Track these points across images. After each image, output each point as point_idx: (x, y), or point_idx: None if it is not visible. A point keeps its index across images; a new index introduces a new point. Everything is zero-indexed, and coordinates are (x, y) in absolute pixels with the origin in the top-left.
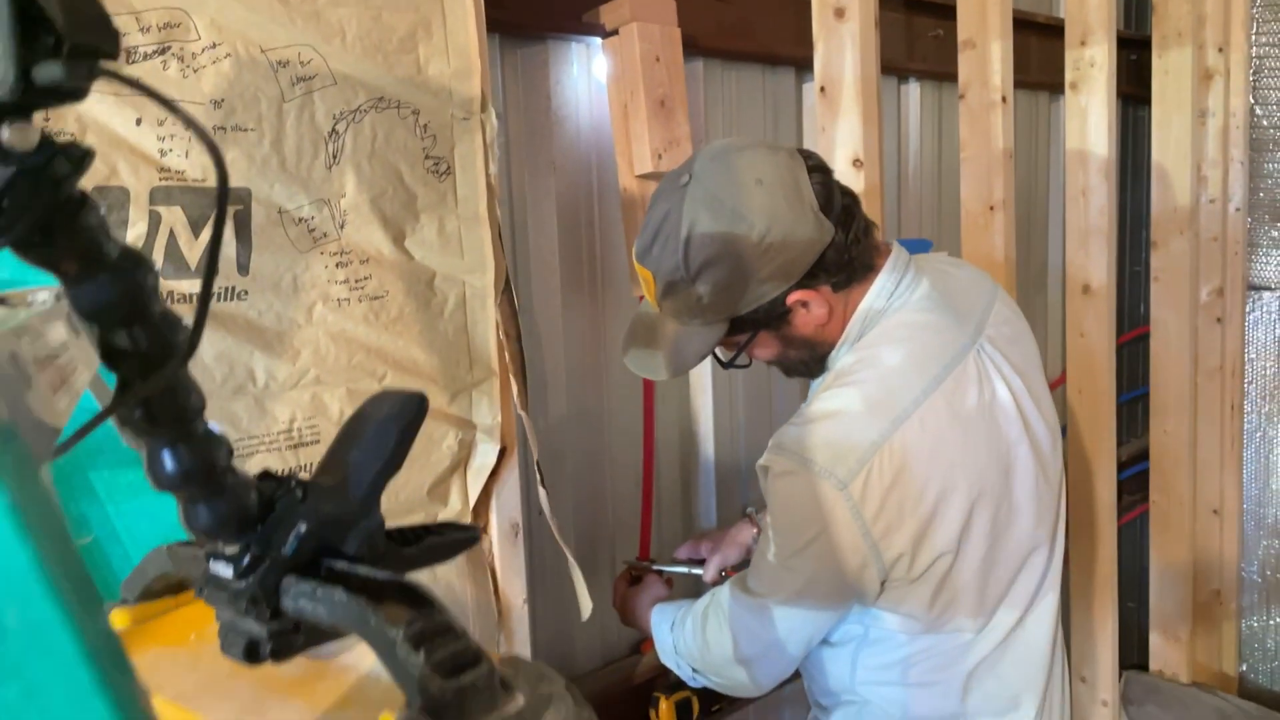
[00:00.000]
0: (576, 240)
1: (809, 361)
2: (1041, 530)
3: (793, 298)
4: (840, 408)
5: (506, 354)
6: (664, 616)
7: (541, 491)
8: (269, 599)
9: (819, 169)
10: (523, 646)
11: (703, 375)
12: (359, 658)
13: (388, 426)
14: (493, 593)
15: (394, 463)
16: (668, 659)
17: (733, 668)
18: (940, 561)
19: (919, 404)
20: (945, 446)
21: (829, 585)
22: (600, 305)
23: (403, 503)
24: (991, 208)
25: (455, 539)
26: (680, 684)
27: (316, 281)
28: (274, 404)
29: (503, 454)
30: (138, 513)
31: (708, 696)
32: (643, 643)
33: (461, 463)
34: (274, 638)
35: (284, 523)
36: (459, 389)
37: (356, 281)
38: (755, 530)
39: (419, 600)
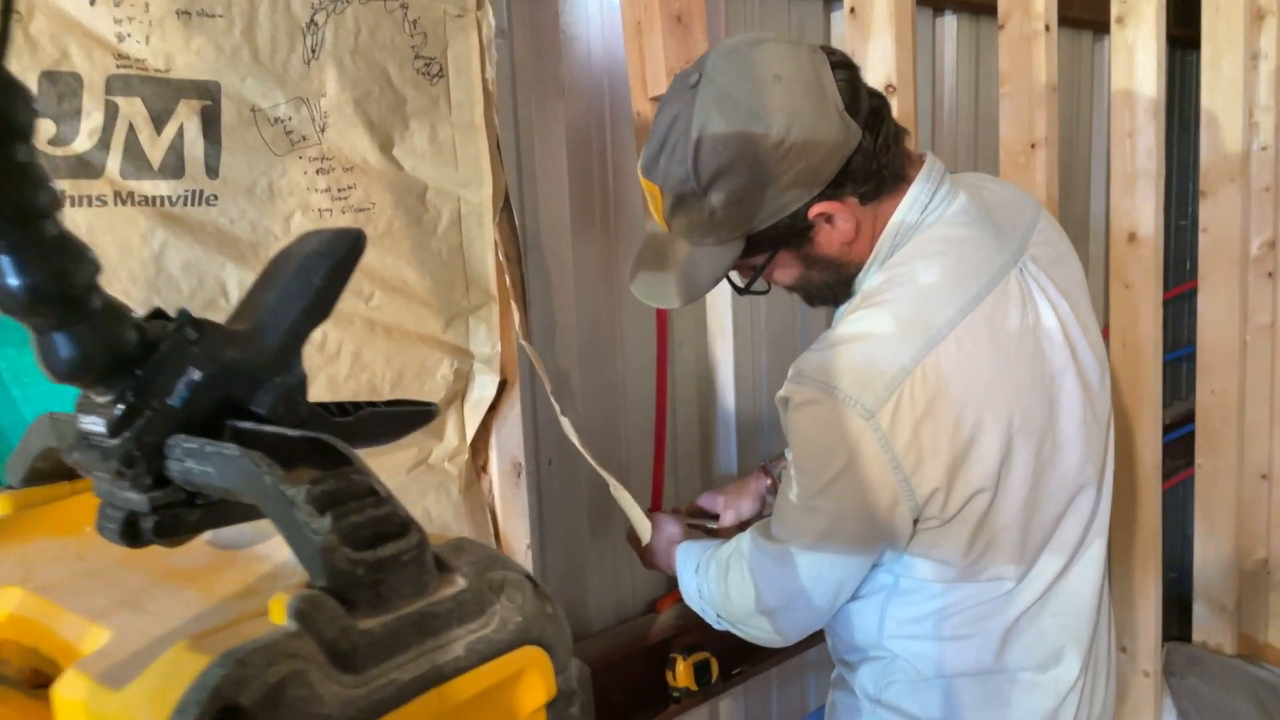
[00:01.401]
0: (587, 169)
1: (833, 285)
2: (1089, 469)
3: (816, 210)
4: (867, 330)
5: (506, 277)
6: (688, 558)
7: (564, 421)
8: (150, 460)
9: (844, 65)
10: None
11: (723, 318)
12: (278, 546)
13: (314, 264)
14: (493, 536)
15: (319, 306)
16: (692, 602)
17: (756, 618)
18: (977, 500)
19: (955, 324)
20: (983, 371)
21: (857, 526)
22: (612, 239)
23: None
24: (1033, 145)
25: (404, 413)
26: (698, 644)
27: (295, 189)
28: None
29: (503, 387)
30: (47, 397)
31: (727, 658)
32: (659, 601)
33: (458, 395)
34: (158, 510)
35: (170, 367)
36: (454, 314)
37: (339, 191)
38: (769, 481)
39: (332, 457)
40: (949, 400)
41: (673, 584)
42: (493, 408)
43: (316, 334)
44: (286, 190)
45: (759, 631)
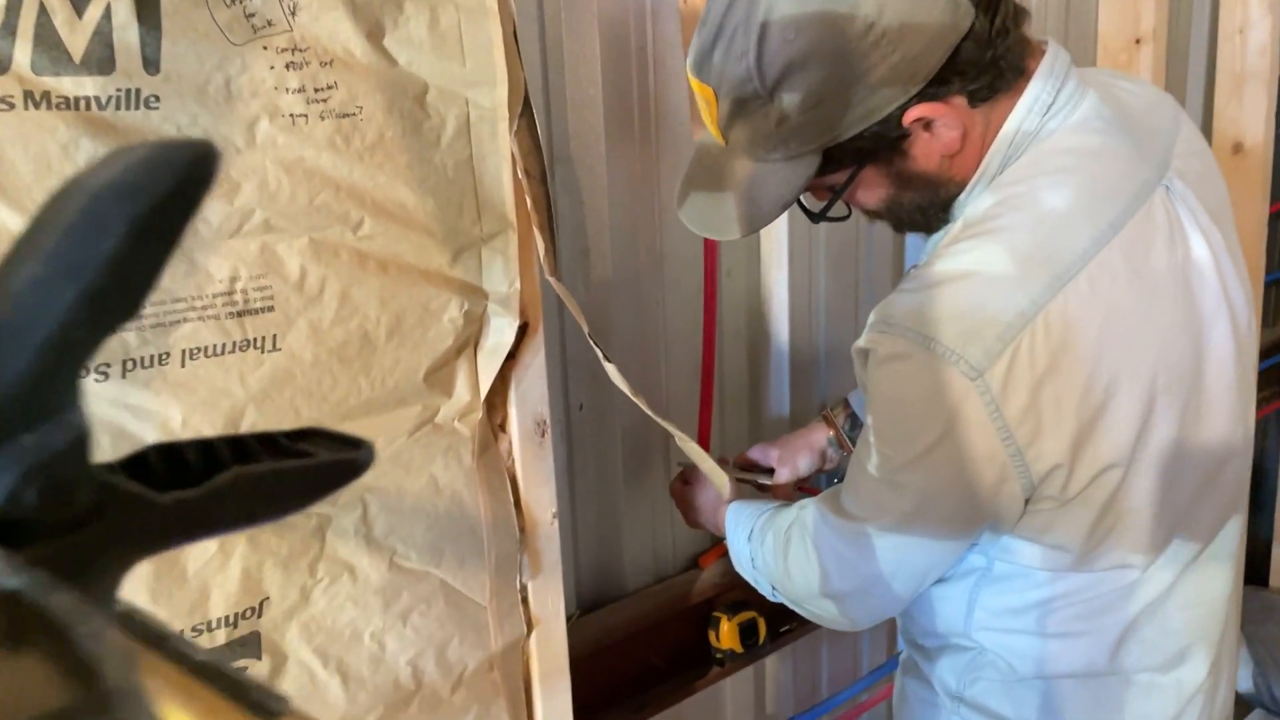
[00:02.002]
0: (625, 71)
1: (928, 208)
2: (1237, 434)
3: (913, 114)
4: (974, 266)
5: (527, 199)
6: (740, 520)
7: (610, 368)
8: None
9: None
10: (551, 571)
11: (778, 242)
12: None
13: (106, 212)
14: (513, 505)
15: (115, 291)
16: (744, 571)
17: (820, 602)
18: (1107, 476)
19: (1087, 259)
20: (1122, 318)
21: (952, 507)
22: (654, 151)
23: (390, 391)
24: (1137, 41)
25: (311, 468)
26: (743, 603)
27: (259, 88)
28: (208, 257)
29: (524, 331)
30: None
31: (776, 617)
32: (701, 555)
33: (470, 341)
34: None
35: None
36: (463, 245)
37: (316, 91)
38: (831, 433)
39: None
40: (1078, 355)
41: (717, 538)
42: (511, 356)
43: (293, 265)
44: (248, 90)
45: (824, 614)
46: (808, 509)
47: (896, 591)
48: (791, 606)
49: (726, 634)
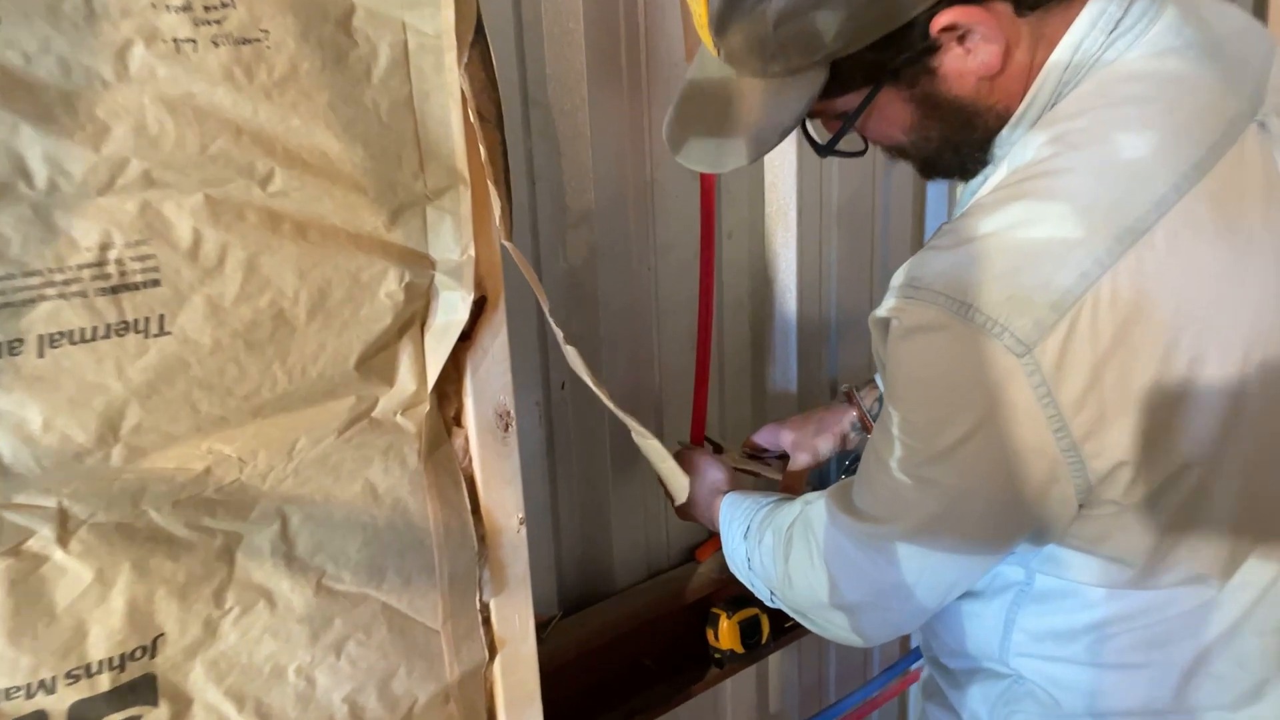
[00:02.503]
0: (611, 2)
1: (961, 145)
2: None
3: (943, 20)
4: (1023, 219)
5: (481, 148)
6: (736, 515)
7: (569, 351)
8: None
9: None
10: (517, 585)
11: (785, 198)
12: None
13: None
14: (470, 512)
15: None
16: (739, 572)
17: (826, 612)
18: (1184, 477)
19: (1165, 210)
20: (1208, 282)
21: (989, 511)
22: (644, 97)
23: (313, 381)
24: None
25: None
26: (744, 599)
27: (132, 5)
28: (70, 219)
29: (481, 307)
30: None
31: (781, 612)
32: (698, 547)
33: (414, 320)
34: None
35: None
36: (403, 203)
37: (207, 10)
38: (855, 414)
39: None
40: (1152, 328)
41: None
42: (466, 336)
43: (183, 229)
44: (117, 7)
45: (831, 626)
46: (814, 505)
47: (916, 606)
48: (793, 615)
49: (726, 633)
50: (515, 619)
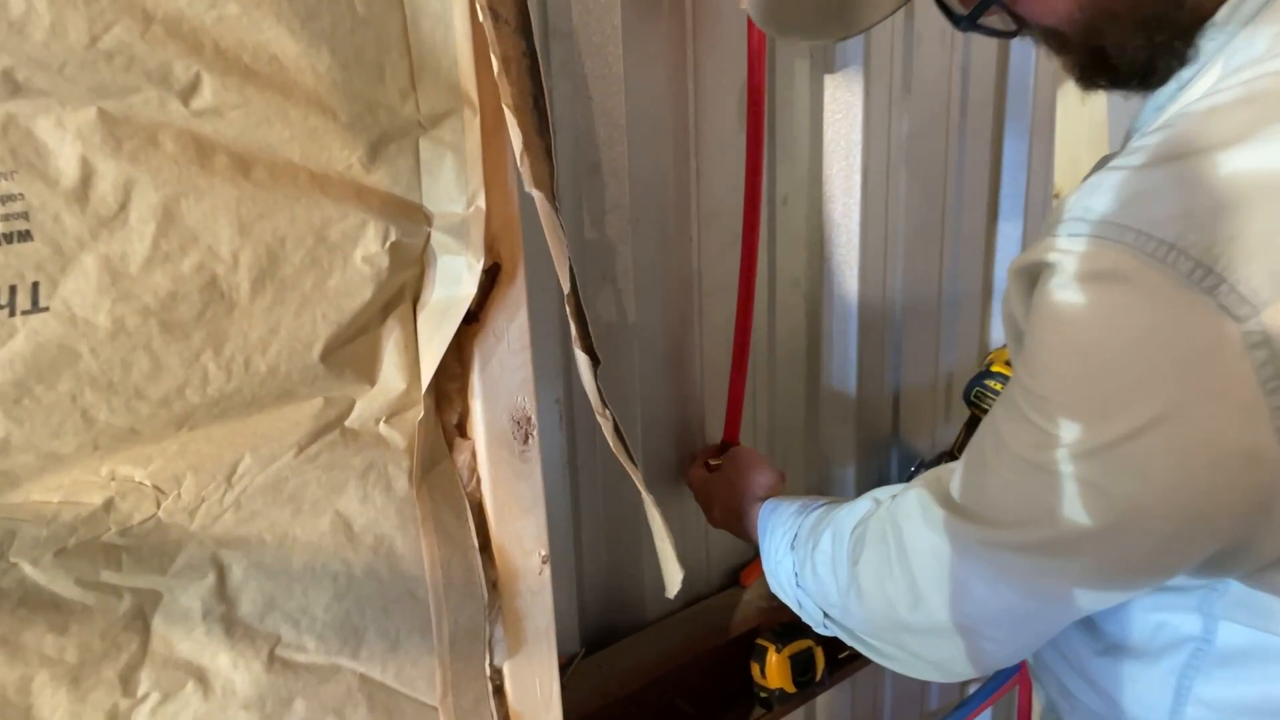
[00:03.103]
0: None
1: (1158, 29)
2: None
3: None
4: (1248, 131)
5: (494, 59)
6: (780, 521)
7: (581, 360)
8: None
9: None
10: (538, 641)
11: (848, 159)
12: None
13: None
14: (477, 551)
15: None
16: (782, 591)
17: (905, 636)
18: None
19: None
20: None
21: (1160, 528)
22: (688, 24)
23: (261, 379)
24: None
25: None
26: (796, 628)
27: None
28: None
29: (494, 279)
30: None
31: (837, 642)
32: (743, 570)
33: (403, 294)
34: None
35: None
36: (387, 133)
37: None
38: None
39: None
40: None
41: None
42: (474, 318)
43: (66, 159)
44: None
45: (903, 654)
46: (901, 499)
47: (1029, 636)
48: (852, 642)
49: (775, 669)
50: (536, 686)
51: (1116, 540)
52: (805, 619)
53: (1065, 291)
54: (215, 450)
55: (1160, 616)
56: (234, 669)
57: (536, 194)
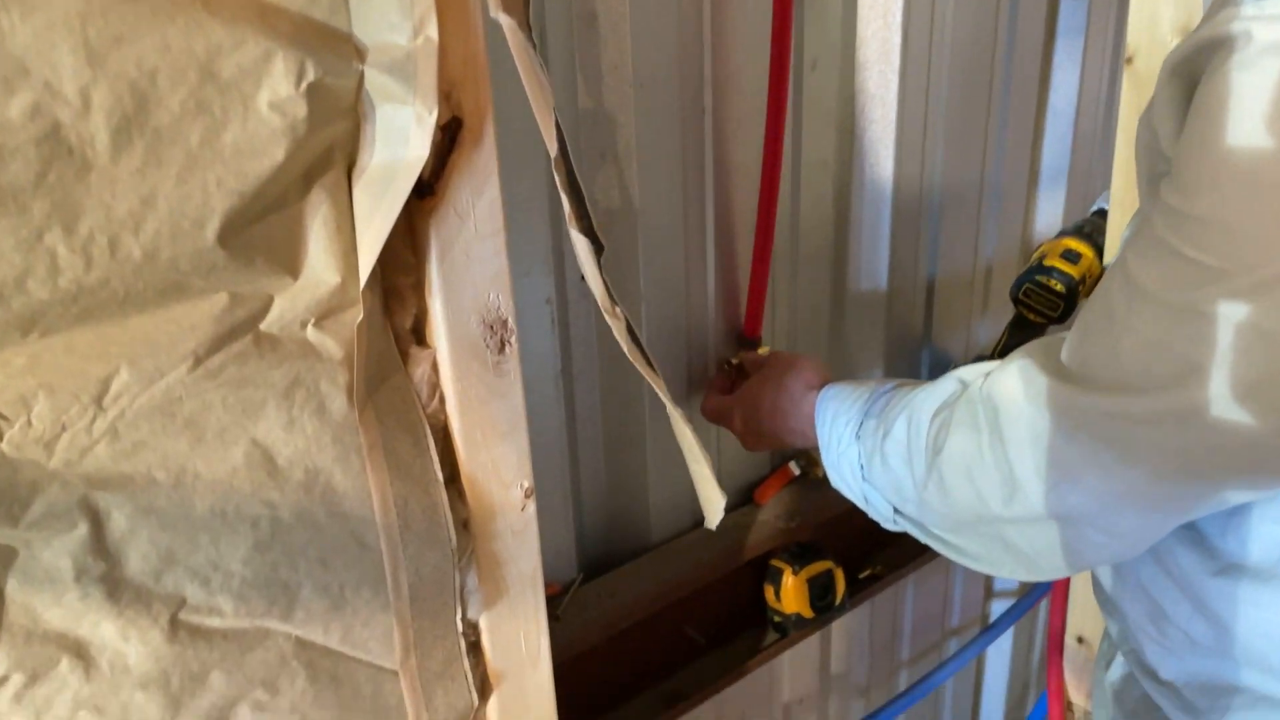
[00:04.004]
0: None
1: None
2: None
3: None
4: None
5: None
6: (843, 408)
7: (578, 241)
8: None
9: None
10: (523, 588)
11: (886, 23)
12: None
13: None
14: (441, 485)
15: None
16: (846, 486)
17: (1000, 528)
18: None
19: None
20: None
21: None
22: None
23: (138, 268)
24: None
25: None
26: (813, 548)
27: None
28: None
29: (455, 137)
30: None
31: (855, 560)
32: (756, 488)
33: (331, 156)
34: None
35: None
36: None
37: None
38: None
39: None
40: None
41: (779, 462)
42: (428, 190)
43: None
44: None
45: (994, 549)
46: (1000, 374)
47: (1154, 524)
48: (924, 539)
49: (791, 593)
50: (521, 640)
51: (1270, 392)
52: (873, 515)
53: (1254, 66)
54: (78, 363)
55: None
56: (124, 640)
57: (505, 20)
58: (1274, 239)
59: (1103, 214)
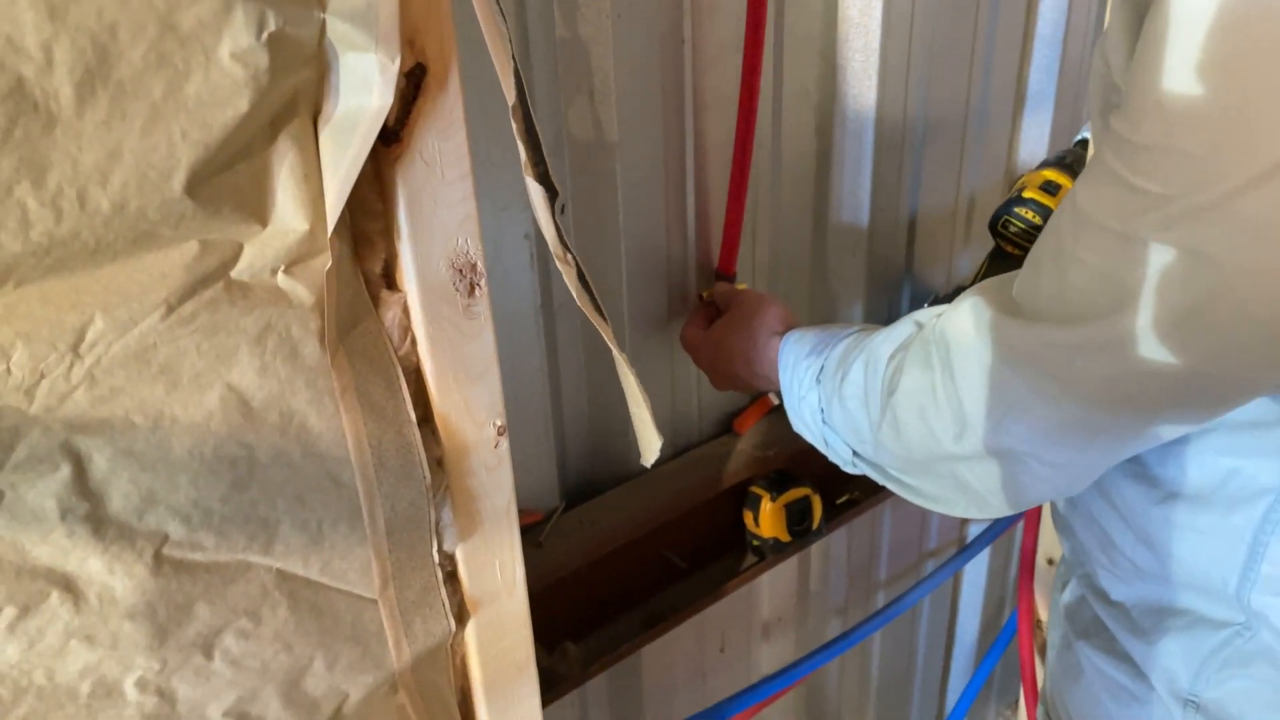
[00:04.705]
0: None
1: None
2: None
3: None
4: None
5: None
6: (803, 353)
7: (532, 187)
8: None
9: None
10: (497, 521)
11: None
12: None
13: None
14: (413, 425)
15: None
16: (807, 430)
17: (952, 465)
18: None
19: None
20: None
21: None
22: None
23: (108, 218)
24: None
25: None
26: (790, 475)
27: None
28: None
29: (419, 84)
30: None
31: (833, 485)
32: (736, 416)
33: (295, 104)
34: None
35: None
36: None
37: None
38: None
39: None
40: None
41: (758, 393)
42: (394, 137)
43: None
44: None
45: (946, 487)
46: (952, 313)
47: (1097, 456)
48: (882, 481)
49: (769, 518)
50: (497, 568)
51: (1216, 319)
52: (832, 458)
53: None
54: (53, 313)
55: (1232, 462)
56: (110, 574)
57: None
58: (1210, 164)
59: (1085, 144)
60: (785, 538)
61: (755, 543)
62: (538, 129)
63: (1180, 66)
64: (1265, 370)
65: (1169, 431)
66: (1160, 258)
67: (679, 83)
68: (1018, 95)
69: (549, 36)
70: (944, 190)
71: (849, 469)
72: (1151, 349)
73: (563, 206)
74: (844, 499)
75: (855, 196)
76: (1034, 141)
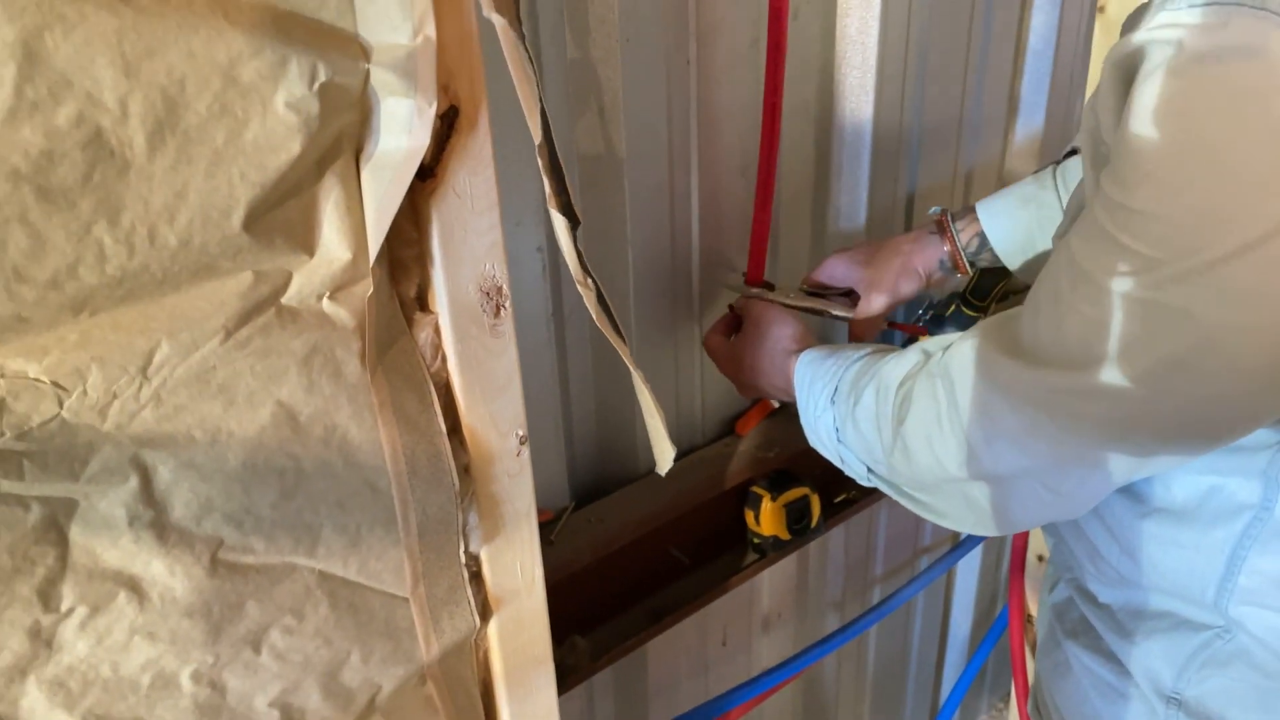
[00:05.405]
0: None
1: None
2: None
3: None
4: None
5: None
6: (819, 374)
7: (556, 219)
8: None
9: None
10: (517, 524)
11: None
12: None
13: None
14: (443, 436)
15: None
16: (823, 446)
17: (957, 488)
18: None
19: None
20: None
21: (1260, 363)
22: None
23: (174, 253)
24: None
25: None
26: (790, 475)
27: None
28: None
29: (452, 125)
30: None
31: (831, 486)
32: (738, 419)
33: (341, 146)
34: None
35: None
36: None
37: None
38: (947, 248)
39: None
40: None
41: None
42: (429, 173)
43: None
44: None
45: (953, 507)
46: (956, 349)
47: (1092, 488)
48: (896, 496)
49: (769, 517)
50: (518, 568)
51: (1201, 372)
52: (848, 473)
53: (1183, 74)
54: (124, 338)
55: (1214, 481)
56: (171, 576)
57: (497, 19)
58: (1198, 232)
59: (1075, 153)
60: (785, 536)
61: (756, 540)
62: (561, 164)
63: (1167, 143)
64: (1257, 414)
65: (1171, 462)
66: (1152, 314)
67: (684, 101)
68: (1010, 106)
69: (561, 57)
70: (939, 198)
71: (864, 483)
72: (1146, 395)
73: (581, 232)
74: (841, 498)
75: (853, 206)
76: (1026, 150)
